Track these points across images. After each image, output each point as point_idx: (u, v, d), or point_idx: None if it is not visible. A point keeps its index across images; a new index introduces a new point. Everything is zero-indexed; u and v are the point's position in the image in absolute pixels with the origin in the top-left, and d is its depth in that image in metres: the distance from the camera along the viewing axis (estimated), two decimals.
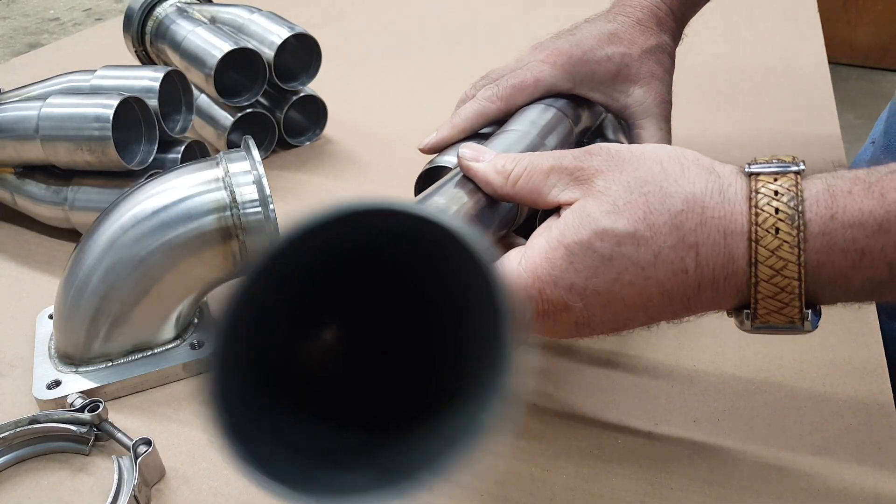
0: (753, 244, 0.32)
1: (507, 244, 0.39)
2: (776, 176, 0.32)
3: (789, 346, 0.47)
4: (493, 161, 0.37)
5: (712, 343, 0.48)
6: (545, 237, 0.34)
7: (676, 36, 0.55)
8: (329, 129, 0.77)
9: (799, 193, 0.31)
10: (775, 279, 0.31)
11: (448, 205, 0.35)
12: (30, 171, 0.61)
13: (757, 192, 0.32)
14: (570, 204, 0.34)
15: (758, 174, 0.33)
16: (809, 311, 0.32)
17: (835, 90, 0.77)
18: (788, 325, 0.33)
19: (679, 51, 0.56)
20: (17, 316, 0.53)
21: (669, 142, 0.52)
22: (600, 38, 0.51)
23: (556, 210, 0.36)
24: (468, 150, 0.38)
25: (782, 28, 0.95)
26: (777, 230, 0.31)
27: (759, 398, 0.43)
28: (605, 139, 0.53)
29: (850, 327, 0.48)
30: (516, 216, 0.40)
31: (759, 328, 0.33)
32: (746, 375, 0.45)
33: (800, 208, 0.31)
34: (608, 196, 0.33)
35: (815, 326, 0.33)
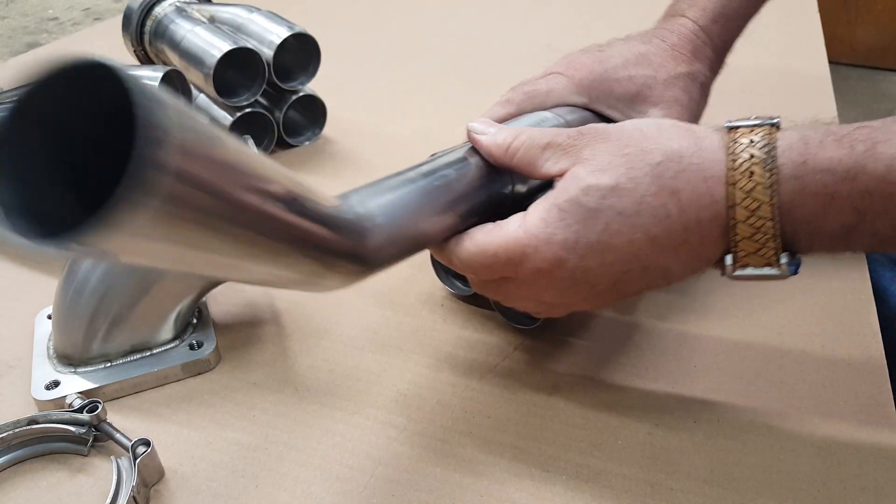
0: (730, 186, 0.35)
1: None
2: (753, 128, 0.36)
3: (789, 346, 0.47)
4: (496, 134, 0.41)
5: (713, 343, 0.48)
6: (541, 203, 0.38)
7: (715, 66, 0.54)
8: (328, 129, 0.77)
9: (772, 141, 0.35)
10: (751, 220, 0.34)
11: (452, 164, 0.41)
12: None
13: (734, 142, 0.35)
14: (561, 174, 0.38)
15: (736, 128, 0.36)
16: (787, 254, 0.35)
17: (835, 90, 0.77)
18: (766, 266, 0.35)
19: None
20: (16, 316, 0.53)
21: None
22: (628, 57, 0.51)
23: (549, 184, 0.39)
24: (478, 123, 0.43)
25: (782, 28, 0.94)
26: (751, 173, 0.34)
27: (760, 399, 0.43)
28: None
29: (851, 329, 0.48)
30: (512, 187, 0.43)
31: (740, 272, 0.36)
32: (747, 376, 0.45)
33: (773, 153, 0.34)
34: (593, 161, 0.37)
35: (792, 272, 0.35)
